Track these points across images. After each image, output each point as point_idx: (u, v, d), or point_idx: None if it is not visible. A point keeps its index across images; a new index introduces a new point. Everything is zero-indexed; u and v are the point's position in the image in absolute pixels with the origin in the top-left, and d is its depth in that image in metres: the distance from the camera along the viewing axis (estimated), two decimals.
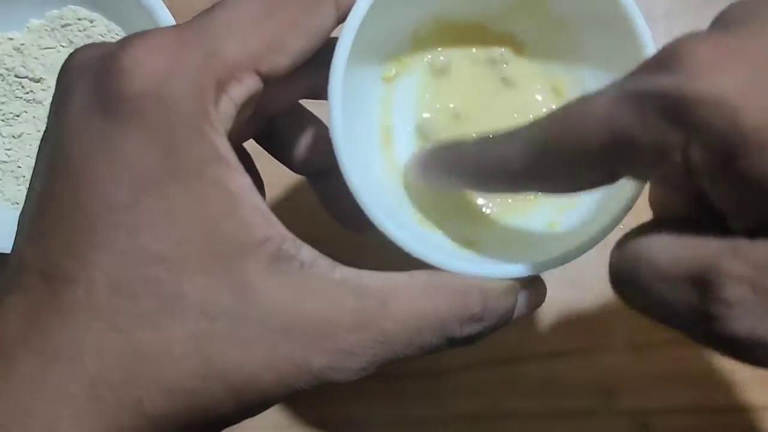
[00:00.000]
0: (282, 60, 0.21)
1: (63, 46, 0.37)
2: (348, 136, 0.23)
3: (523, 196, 0.28)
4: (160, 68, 0.20)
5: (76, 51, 0.22)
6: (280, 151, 0.28)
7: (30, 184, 0.22)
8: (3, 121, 0.37)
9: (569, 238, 0.25)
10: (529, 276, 0.24)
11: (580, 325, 0.38)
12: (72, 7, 0.37)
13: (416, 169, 0.25)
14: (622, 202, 0.23)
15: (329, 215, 0.29)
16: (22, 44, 0.37)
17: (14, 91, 0.37)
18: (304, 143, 0.28)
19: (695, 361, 0.37)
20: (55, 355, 0.19)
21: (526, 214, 0.28)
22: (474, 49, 0.29)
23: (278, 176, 0.31)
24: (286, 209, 0.24)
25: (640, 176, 0.19)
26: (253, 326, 0.20)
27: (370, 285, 0.21)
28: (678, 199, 0.21)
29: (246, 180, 0.21)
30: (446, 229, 0.27)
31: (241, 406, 0.20)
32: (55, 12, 0.37)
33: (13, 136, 0.37)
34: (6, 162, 0.37)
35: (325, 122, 0.26)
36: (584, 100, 0.19)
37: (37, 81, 0.37)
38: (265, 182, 0.29)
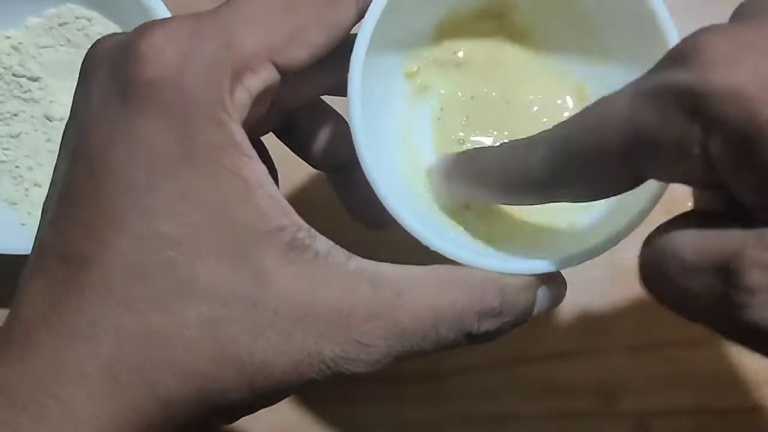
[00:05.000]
0: (300, 53, 0.22)
1: (61, 45, 0.37)
2: (368, 131, 0.23)
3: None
4: (176, 55, 0.20)
5: (98, 40, 0.22)
6: (299, 145, 0.28)
7: (54, 171, 0.22)
8: (0, 120, 0.37)
9: (589, 236, 0.24)
10: (548, 272, 0.23)
11: (580, 326, 0.38)
12: (70, 5, 0.37)
13: (439, 179, 0.25)
14: (642, 202, 0.23)
15: (346, 211, 0.29)
16: (20, 43, 0.37)
17: (12, 90, 0.37)
18: (323, 138, 0.28)
19: (695, 363, 0.37)
20: (72, 336, 0.19)
21: (547, 211, 0.27)
22: (494, 44, 0.28)
23: (296, 170, 0.31)
24: (303, 204, 0.24)
25: (663, 177, 0.19)
26: (266, 313, 0.20)
27: (387, 276, 0.21)
28: (705, 196, 0.21)
29: (261, 167, 0.21)
30: (466, 224, 0.27)
31: (254, 392, 0.20)
32: (53, 10, 0.37)
33: (11, 136, 0.37)
34: (4, 162, 0.37)
35: (345, 117, 0.26)
36: (603, 102, 0.19)
37: (35, 80, 0.37)
38: (283, 176, 0.28)
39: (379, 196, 0.23)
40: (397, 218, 0.23)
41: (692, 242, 0.18)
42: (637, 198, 0.24)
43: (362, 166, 0.23)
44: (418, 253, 0.23)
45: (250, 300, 0.20)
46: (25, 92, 0.37)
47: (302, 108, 0.27)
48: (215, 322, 0.20)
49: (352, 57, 0.23)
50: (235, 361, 0.20)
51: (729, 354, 0.37)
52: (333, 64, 0.23)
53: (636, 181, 0.19)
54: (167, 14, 0.34)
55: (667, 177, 0.19)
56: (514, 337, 0.38)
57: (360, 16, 0.23)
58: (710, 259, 0.18)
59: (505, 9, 0.28)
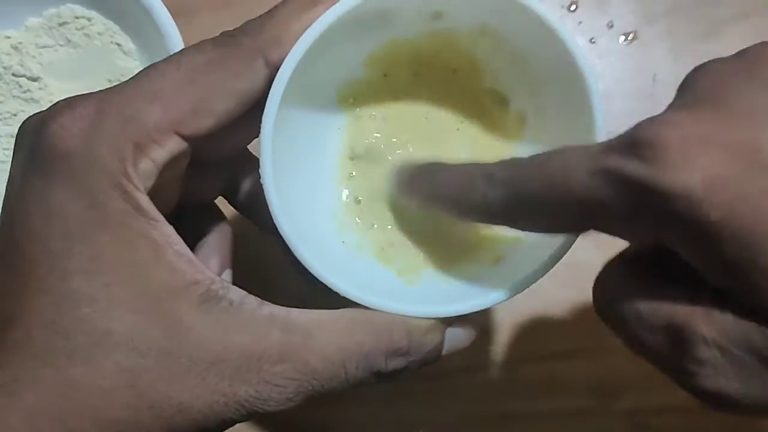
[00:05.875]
0: (205, 122, 0.23)
1: (61, 45, 0.37)
2: (291, 177, 0.24)
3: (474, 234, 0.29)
4: (81, 132, 0.22)
5: (25, 119, 0.24)
6: (243, 208, 0.30)
7: None
8: (0, 120, 0.37)
9: (507, 276, 0.25)
10: (454, 315, 0.24)
11: (579, 326, 0.38)
12: (70, 5, 0.37)
13: (398, 187, 0.26)
14: (553, 248, 0.24)
15: (300, 276, 0.30)
16: (20, 43, 0.37)
17: (11, 90, 0.37)
18: (247, 186, 0.29)
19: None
20: None
21: (472, 251, 0.28)
22: (426, 80, 0.29)
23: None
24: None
25: (614, 234, 0.20)
26: (181, 360, 0.21)
27: (297, 320, 0.22)
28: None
29: (168, 229, 0.22)
30: (388, 260, 0.28)
31: None
32: (52, 10, 0.37)
33: (11, 136, 0.37)
34: (3, 161, 0.37)
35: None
36: (565, 160, 0.20)
37: (35, 80, 0.37)
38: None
39: (287, 242, 0.24)
40: (303, 262, 0.24)
41: (648, 300, 0.20)
42: (549, 242, 0.24)
43: (279, 228, 0.24)
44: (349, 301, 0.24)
45: (165, 349, 0.21)
46: (25, 92, 0.37)
47: (240, 168, 0.29)
48: (131, 370, 0.21)
49: (263, 119, 0.23)
50: (152, 407, 0.21)
51: None
52: (256, 117, 0.24)
53: (585, 230, 0.21)
54: (167, 14, 0.34)
55: (618, 236, 0.20)
56: (514, 337, 0.38)
57: (272, 76, 0.24)
58: (664, 322, 0.20)
59: (434, 44, 0.28)
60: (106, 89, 0.23)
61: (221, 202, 0.30)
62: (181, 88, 0.22)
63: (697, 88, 0.19)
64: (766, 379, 0.18)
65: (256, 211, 0.30)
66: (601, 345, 0.38)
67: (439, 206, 0.24)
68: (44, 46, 0.37)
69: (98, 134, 0.22)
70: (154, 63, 0.23)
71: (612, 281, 0.22)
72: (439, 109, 0.29)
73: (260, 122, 0.23)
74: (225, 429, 0.22)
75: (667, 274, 0.20)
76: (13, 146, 0.24)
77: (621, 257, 0.22)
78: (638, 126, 0.18)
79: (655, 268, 0.20)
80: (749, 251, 0.17)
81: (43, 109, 0.23)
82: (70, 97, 0.23)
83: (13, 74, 0.37)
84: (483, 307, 0.24)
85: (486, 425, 0.38)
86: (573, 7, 0.41)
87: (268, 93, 0.23)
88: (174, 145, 0.23)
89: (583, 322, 0.38)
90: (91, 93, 0.23)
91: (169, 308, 0.21)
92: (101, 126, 0.22)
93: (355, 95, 0.29)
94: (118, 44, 0.37)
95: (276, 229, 0.25)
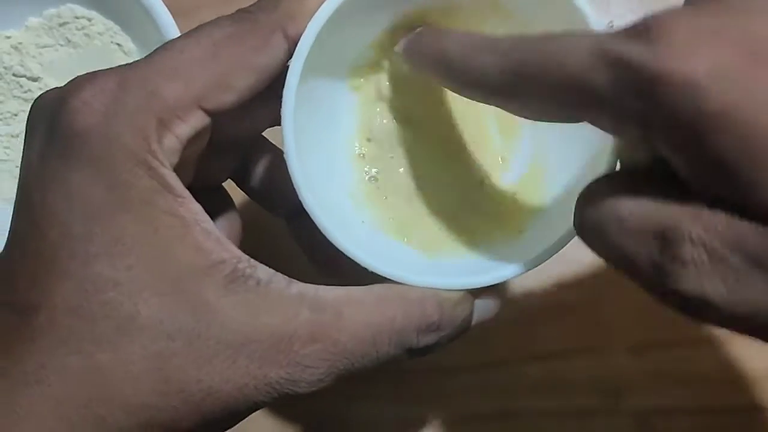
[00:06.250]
0: (228, 97, 0.23)
1: (61, 45, 0.37)
2: (309, 156, 0.24)
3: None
4: (103, 107, 0.21)
5: (38, 96, 0.23)
6: (254, 192, 0.30)
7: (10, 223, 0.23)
8: (1, 120, 0.37)
9: (526, 247, 0.25)
10: (483, 286, 0.24)
11: (582, 326, 0.38)
12: (70, 5, 0.37)
13: (403, 52, 0.26)
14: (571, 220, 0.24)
15: (306, 256, 0.30)
16: (20, 43, 0.37)
17: (12, 90, 0.37)
18: (270, 177, 0.29)
19: (697, 362, 0.37)
20: (23, 379, 0.20)
21: (493, 224, 0.28)
22: None
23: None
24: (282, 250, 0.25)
25: (603, 127, 0.19)
26: (209, 342, 0.21)
27: (326, 299, 0.22)
28: (644, 150, 0.21)
29: (196, 206, 0.22)
30: (409, 236, 0.28)
31: (203, 419, 0.21)
32: (53, 10, 0.37)
33: (11, 135, 0.37)
34: (4, 161, 0.37)
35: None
36: (565, 42, 0.19)
37: (35, 80, 0.37)
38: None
39: (314, 220, 0.24)
40: (331, 240, 0.24)
41: (634, 206, 0.19)
42: (570, 214, 0.24)
43: (297, 191, 0.24)
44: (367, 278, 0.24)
45: (193, 332, 0.21)
46: (25, 92, 0.37)
47: (252, 151, 0.29)
48: (159, 355, 0.21)
49: (284, 93, 0.23)
50: (181, 391, 0.21)
51: (729, 353, 0.37)
52: (276, 95, 0.24)
53: (577, 119, 0.20)
54: (167, 14, 0.34)
55: (608, 129, 0.19)
56: (516, 336, 0.38)
57: (291, 51, 0.23)
58: (650, 226, 0.18)
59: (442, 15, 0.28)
60: (126, 64, 0.23)
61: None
62: (203, 63, 0.22)
63: None
64: (753, 284, 0.17)
65: (269, 197, 0.29)
66: (603, 345, 0.38)
67: (438, 72, 0.23)
68: (44, 46, 0.37)
69: (121, 110, 0.21)
70: (171, 39, 0.23)
71: (594, 190, 0.21)
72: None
73: (277, 100, 0.23)
74: (254, 411, 0.22)
75: (655, 186, 0.19)
76: (25, 132, 0.23)
77: (608, 173, 0.21)
78: (646, 15, 0.18)
79: (645, 181, 0.19)
80: (748, 145, 0.16)
81: None
82: (88, 73, 0.22)
83: (14, 74, 0.37)
84: (513, 276, 0.24)
85: (489, 424, 0.38)
86: None
87: (285, 70, 0.23)
88: (197, 121, 0.22)
89: (585, 321, 0.38)
90: (109, 68, 0.22)
91: (195, 289, 0.21)
92: (124, 101, 0.21)
93: (366, 75, 0.28)
94: (118, 44, 0.37)
95: (289, 215, 0.25)
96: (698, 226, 0.17)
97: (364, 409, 0.38)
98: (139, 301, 0.21)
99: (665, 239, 0.18)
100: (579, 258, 0.35)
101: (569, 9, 0.24)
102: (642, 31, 0.17)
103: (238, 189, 0.30)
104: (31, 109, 0.23)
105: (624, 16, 0.41)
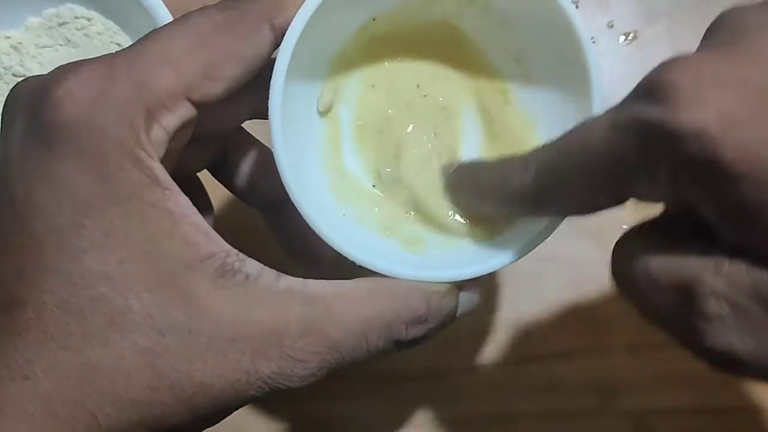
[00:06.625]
0: (215, 88, 0.22)
1: (61, 45, 0.37)
2: (291, 152, 0.24)
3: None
4: (89, 98, 0.21)
5: (16, 85, 0.23)
6: (231, 182, 0.29)
7: None
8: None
9: (514, 239, 0.25)
10: (469, 278, 0.25)
11: (580, 326, 0.38)
12: (70, 5, 0.37)
13: (448, 189, 0.26)
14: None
15: (283, 249, 0.30)
16: (20, 43, 0.37)
17: None
18: (246, 171, 0.29)
19: (695, 362, 0.37)
20: (10, 376, 0.20)
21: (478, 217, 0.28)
22: (423, 50, 0.29)
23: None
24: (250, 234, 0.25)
25: (642, 197, 0.20)
26: (201, 337, 0.21)
27: (315, 292, 0.22)
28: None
29: (184, 200, 0.22)
30: (391, 230, 0.28)
31: (194, 414, 0.21)
32: (52, 10, 0.37)
33: None
34: None
35: (267, 143, 0.26)
36: (584, 130, 0.19)
37: None
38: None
39: (301, 213, 0.24)
40: (320, 234, 0.24)
41: (659, 257, 0.19)
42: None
43: (289, 193, 0.23)
44: (354, 271, 0.24)
45: (184, 327, 0.21)
46: None
47: (231, 143, 0.28)
48: (150, 350, 0.20)
49: (272, 84, 0.23)
50: (172, 386, 0.21)
51: None
52: (257, 87, 0.24)
53: (619, 200, 0.20)
54: (167, 14, 0.34)
55: (645, 198, 0.19)
56: (514, 337, 0.38)
57: (277, 42, 0.23)
58: (674, 279, 0.19)
59: (425, 14, 0.28)
60: (112, 53, 0.22)
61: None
62: (191, 52, 0.22)
63: (716, 32, 0.19)
64: None
65: (246, 188, 0.29)
66: (602, 345, 0.38)
67: (485, 199, 0.24)
68: (44, 46, 0.37)
69: (107, 100, 0.21)
70: (158, 27, 0.23)
71: (628, 243, 0.21)
72: (432, 83, 0.29)
73: (257, 92, 0.23)
74: (244, 405, 0.22)
75: (684, 238, 0.19)
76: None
77: (642, 223, 0.21)
78: (652, 70, 0.18)
79: (674, 234, 0.20)
80: (764, 192, 0.16)
81: None
82: (71, 63, 0.22)
83: (14, 74, 0.37)
84: (500, 266, 0.24)
85: (487, 425, 0.38)
86: None
87: (270, 61, 0.23)
88: (185, 112, 0.22)
89: (584, 322, 0.38)
90: (94, 58, 0.22)
91: (185, 284, 0.21)
92: (111, 92, 0.21)
93: (346, 68, 0.28)
94: (118, 44, 0.37)
95: (265, 206, 0.25)
96: (720, 278, 0.18)
97: (358, 411, 0.38)
98: (131, 297, 0.20)
99: (690, 293, 0.18)
100: (575, 259, 0.35)
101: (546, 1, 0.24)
102: (649, 89, 0.17)
103: (212, 178, 0.30)
104: (7, 97, 0.23)
105: (624, 17, 0.41)
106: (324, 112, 0.28)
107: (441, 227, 0.28)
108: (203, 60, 0.22)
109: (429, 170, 0.28)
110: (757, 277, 0.17)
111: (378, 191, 0.28)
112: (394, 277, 0.24)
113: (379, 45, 0.28)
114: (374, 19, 0.27)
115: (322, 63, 0.27)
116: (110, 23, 0.37)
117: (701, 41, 0.20)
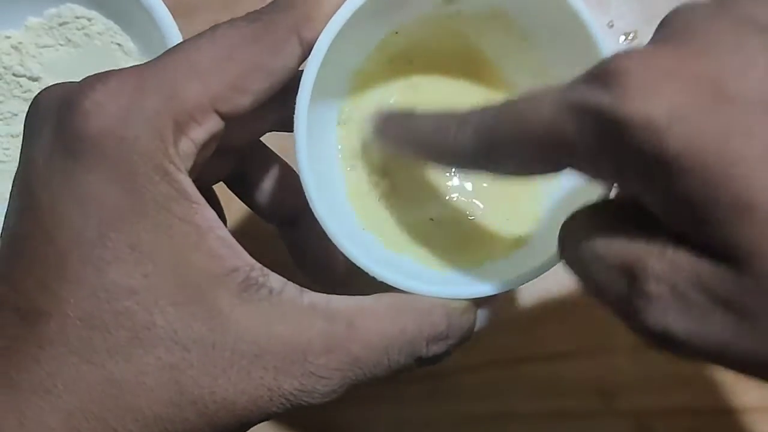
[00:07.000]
0: (243, 100, 0.22)
1: (61, 45, 0.37)
2: (314, 167, 0.24)
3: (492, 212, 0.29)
4: (119, 110, 0.21)
5: (41, 92, 0.23)
6: (248, 196, 0.29)
7: (3, 223, 0.23)
8: (1, 120, 0.37)
9: (532, 257, 0.25)
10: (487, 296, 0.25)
11: (580, 327, 0.38)
12: (70, 5, 0.37)
13: (373, 131, 0.26)
14: None
15: (297, 267, 0.30)
16: (20, 43, 0.37)
17: (12, 90, 0.37)
18: (268, 187, 0.29)
19: (696, 363, 0.37)
20: (31, 389, 0.20)
21: (493, 234, 0.28)
22: (440, 66, 0.29)
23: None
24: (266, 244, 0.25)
25: (580, 172, 0.20)
26: (224, 353, 0.21)
27: (338, 309, 0.22)
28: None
29: (210, 213, 0.21)
30: (411, 250, 0.28)
31: (216, 431, 0.21)
32: (53, 10, 0.37)
33: (12, 136, 0.37)
34: (4, 162, 0.37)
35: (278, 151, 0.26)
36: (529, 101, 0.19)
37: (35, 80, 0.37)
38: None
39: (324, 228, 0.24)
40: (342, 250, 0.24)
41: (605, 236, 0.20)
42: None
43: (314, 211, 0.23)
44: (371, 286, 0.24)
45: (208, 342, 0.20)
46: (25, 92, 0.37)
47: (251, 157, 0.28)
48: (174, 366, 0.20)
49: (298, 100, 0.23)
50: (195, 403, 0.20)
51: None
52: (281, 100, 0.23)
53: (556, 169, 0.20)
54: (167, 14, 0.34)
55: (583, 173, 0.20)
56: (514, 337, 0.38)
57: (305, 55, 0.23)
58: (618, 258, 0.19)
59: (452, 29, 0.28)
60: (141, 64, 0.22)
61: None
62: (220, 64, 0.22)
63: (669, 26, 0.19)
64: (714, 320, 0.17)
65: (274, 211, 0.29)
66: (602, 346, 0.38)
67: (411, 150, 0.24)
68: (44, 46, 0.37)
69: (137, 113, 0.21)
70: (186, 40, 0.22)
71: (575, 223, 0.21)
72: (451, 97, 0.29)
73: (280, 105, 0.23)
74: (264, 421, 0.22)
75: (631, 220, 0.19)
76: (24, 128, 0.22)
77: (592, 204, 0.22)
78: (605, 58, 0.18)
79: (624, 215, 0.20)
80: (707, 186, 0.16)
81: None
82: (100, 73, 0.22)
83: (14, 74, 0.37)
84: (521, 284, 0.24)
85: (486, 425, 0.38)
86: None
87: (296, 74, 0.23)
88: (213, 124, 0.22)
89: (584, 322, 0.38)
90: (122, 69, 0.22)
91: (210, 298, 0.21)
92: (140, 104, 0.21)
93: (366, 82, 0.28)
94: (118, 44, 0.37)
95: (282, 222, 0.24)
96: (663, 263, 0.18)
97: (360, 412, 0.38)
98: (155, 311, 0.20)
99: (632, 273, 0.18)
100: None
101: (568, 13, 0.24)
102: (601, 75, 0.18)
103: (229, 191, 0.30)
104: (31, 105, 0.23)
105: (624, 17, 0.41)
106: (344, 125, 0.28)
107: (458, 244, 0.27)
108: (231, 72, 0.22)
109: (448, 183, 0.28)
110: (698, 265, 0.17)
111: (393, 206, 0.28)
112: (414, 293, 0.24)
113: (399, 60, 0.28)
114: (396, 33, 0.27)
115: (343, 76, 0.27)
116: (111, 23, 0.37)
117: (653, 34, 0.20)
